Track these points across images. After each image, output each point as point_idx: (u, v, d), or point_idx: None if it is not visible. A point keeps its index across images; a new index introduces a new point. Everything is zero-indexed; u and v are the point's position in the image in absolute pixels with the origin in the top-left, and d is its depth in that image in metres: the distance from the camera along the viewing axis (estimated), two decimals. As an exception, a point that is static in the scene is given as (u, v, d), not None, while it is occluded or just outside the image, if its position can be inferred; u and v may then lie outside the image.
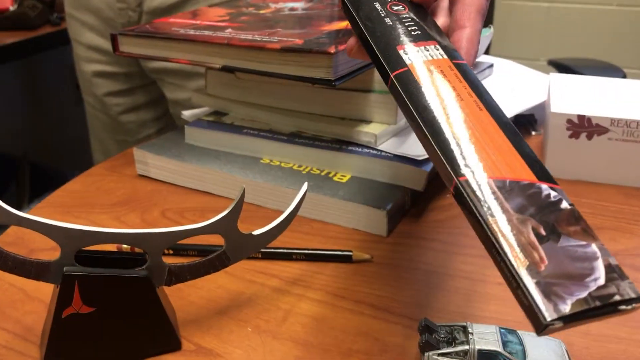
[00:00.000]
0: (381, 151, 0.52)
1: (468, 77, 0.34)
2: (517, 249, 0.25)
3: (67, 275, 0.33)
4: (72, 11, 0.91)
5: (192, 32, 0.55)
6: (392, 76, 0.34)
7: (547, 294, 0.24)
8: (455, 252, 0.46)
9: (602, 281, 0.24)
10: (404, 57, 0.35)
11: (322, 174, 0.53)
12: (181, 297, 0.41)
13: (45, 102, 1.91)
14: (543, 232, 0.26)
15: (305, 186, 0.40)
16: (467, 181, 0.28)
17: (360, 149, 0.53)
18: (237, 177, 0.53)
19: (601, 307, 0.24)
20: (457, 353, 0.33)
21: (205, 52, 0.53)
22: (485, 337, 0.34)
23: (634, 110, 0.55)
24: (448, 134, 0.30)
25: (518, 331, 0.35)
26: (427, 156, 0.51)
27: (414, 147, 0.52)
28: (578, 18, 2.14)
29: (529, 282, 0.24)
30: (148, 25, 0.59)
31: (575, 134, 0.56)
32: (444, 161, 0.29)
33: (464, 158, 0.29)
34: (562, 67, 1.57)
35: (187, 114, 0.66)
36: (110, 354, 0.35)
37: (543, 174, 0.29)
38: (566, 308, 0.23)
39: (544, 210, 0.27)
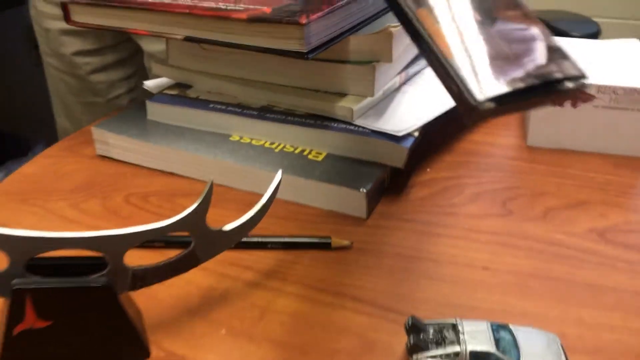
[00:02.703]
0: (358, 126, 0.49)
1: None
2: (447, 37, 0.23)
3: (17, 289, 0.30)
4: None
5: (150, -1, 0.50)
6: None
7: (479, 76, 0.21)
8: (439, 233, 0.44)
9: (542, 61, 0.22)
10: None
11: (296, 152, 0.50)
12: (148, 296, 0.38)
13: (2, 66, 1.81)
14: (478, 17, 0.24)
15: (279, 174, 0.37)
16: None
17: (336, 125, 0.50)
18: (204, 157, 0.50)
19: (540, 87, 0.21)
20: (447, 355, 0.31)
21: (166, 22, 0.49)
22: (476, 336, 0.32)
23: (620, 76, 0.53)
24: None
25: (510, 325, 0.33)
26: (407, 132, 0.48)
27: (393, 122, 0.49)
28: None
29: (460, 66, 0.22)
30: (101, -9, 0.54)
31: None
32: None
33: None
34: (537, 20, 1.53)
35: (149, 84, 0.62)
36: (72, 367, 0.33)
37: None
38: (499, 87, 0.21)
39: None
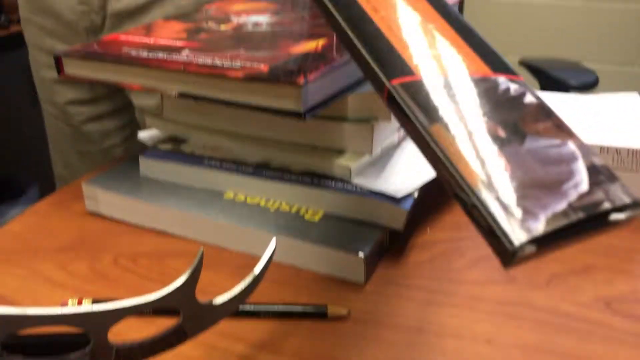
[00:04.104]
0: (356, 186, 0.48)
1: None
2: (469, 160, 0.19)
3: (-10, 373, 0.28)
4: (29, 15, 0.84)
5: (145, 54, 0.49)
6: None
7: (513, 210, 0.18)
8: (440, 301, 0.42)
9: (584, 187, 0.19)
10: None
11: (292, 211, 0.49)
12: (133, 370, 0.36)
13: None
14: (502, 134, 0.20)
15: (273, 242, 0.35)
16: (402, 85, 0.22)
17: (333, 183, 0.48)
18: (197, 215, 0.48)
19: (587, 220, 0.18)
20: None
21: (160, 78, 0.48)
22: None
23: (623, 135, 0.52)
24: (375, 32, 0.24)
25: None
26: (407, 192, 0.46)
27: (392, 181, 0.48)
28: (546, 13, 2.12)
29: (488, 199, 0.18)
30: (96, 44, 0.53)
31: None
32: (372, 64, 0.23)
33: (396, 57, 0.23)
34: (534, 68, 1.54)
35: (143, 135, 0.61)
36: None
37: (499, 65, 0.23)
38: (539, 226, 0.17)
39: (502, 108, 0.21)
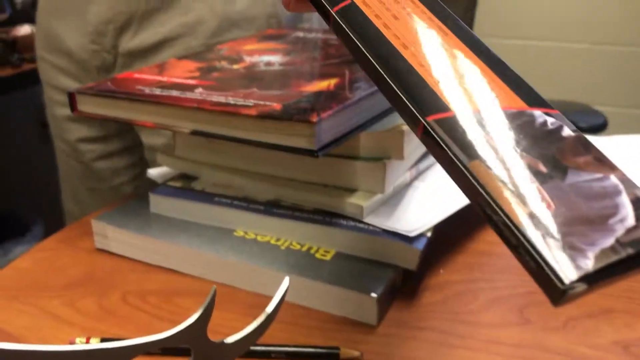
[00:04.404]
0: (368, 225, 0.47)
1: (426, 2, 0.28)
2: (512, 196, 0.19)
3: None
4: (43, 54, 0.86)
5: (158, 91, 0.50)
6: (333, 12, 0.28)
7: (560, 247, 0.17)
8: (454, 344, 0.41)
9: (631, 221, 0.18)
10: None
11: (303, 249, 0.48)
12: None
13: (7, 146, 1.82)
14: (543, 169, 0.20)
15: (286, 282, 0.35)
16: (437, 121, 0.22)
17: (345, 222, 0.48)
18: (206, 253, 0.48)
19: (636, 256, 0.17)
20: None
21: (173, 115, 0.48)
22: None
23: (635, 178, 0.51)
24: (408, 68, 0.24)
25: None
26: (420, 232, 0.46)
27: (404, 220, 0.47)
28: (554, 56, 2.15)
29: (534, 236, 0.18)
30: (110, 82, 0.54)
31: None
32: (405, 100, 0.23)
33: (430, 93, 0.23)
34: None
35: (153, 172, 0.61)
36: None
37: (534, 99, 0.23)
38: (589, 263, 0.17)
39: (541, 142, 0.21)
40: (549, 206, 0.18)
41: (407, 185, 0.53)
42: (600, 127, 1.26)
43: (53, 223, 1.10)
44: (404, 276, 0.48)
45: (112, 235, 0.52)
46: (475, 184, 0.20)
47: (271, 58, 0.60)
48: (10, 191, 1.82)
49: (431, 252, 0.51)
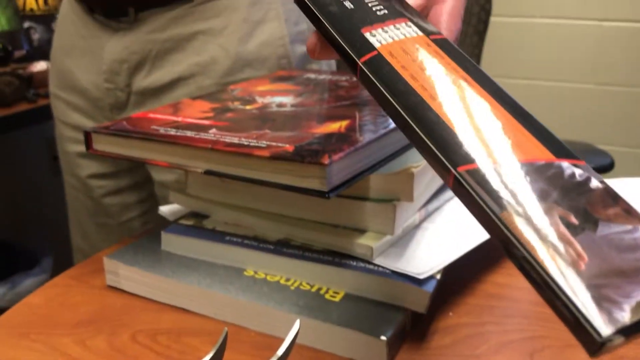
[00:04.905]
0: (378, 266, 0.48)
1: (451, 52, 0.28)
2: (546, 248, 0.19)
3: None
4: (57, 91, 0.87)
5: (172, 131, 0.51)
6: (359, 63, 0.29)
7: (597, 300, 0.18)
8: (465, 388, 0.41)
9: None
10: (372, 39, 0.30)
11: (313, 290, 0.48)
12: None
13: (20, 178, 1.84)
14: (575, 221, 0.20)
15: (296, 326, 0.35)
16: (468, 171, 0.22)
17: (355, 263, 0.48)
18: (217, 293, 0.48)
19: None
20: None
21: (187, 155, 0.49)
22: None
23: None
24: (436, 119, 0.24)
25: None
26: (429, 273, 0.46)
27: (414, 262, 0.48)
28: (559, 96, 2.16)
29: (570, 289, 0.18)
30: (125, 121, 0.55)
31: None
32: (436, 151, 0.23)
33: (459, 144, 0.23)
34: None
35: (164, 209, 0.62)
36: None
37: (561, 150, 0.23)
38: (625, 316, 0.17)
39: (570, 194, 0.21)
40: (583, 258, 0.19)
41: (417, 226, 0.54)
42: (607, 168, 1.26)
43: (63, 256, 1.11)
44: (413, 318, 0.48)
45: (124, 273, 0.52)
46: (509, 234, 0.20)
47: (283, 99, 0.61)
48: (21, 223, 1.84)
49: (440, 293, 0.51)
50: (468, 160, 0.22)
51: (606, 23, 2.08)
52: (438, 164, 0.23)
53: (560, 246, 0.19)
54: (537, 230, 0.20)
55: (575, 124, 2.15)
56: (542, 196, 0.21)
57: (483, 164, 0.22)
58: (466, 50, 1.70)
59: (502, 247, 0.20)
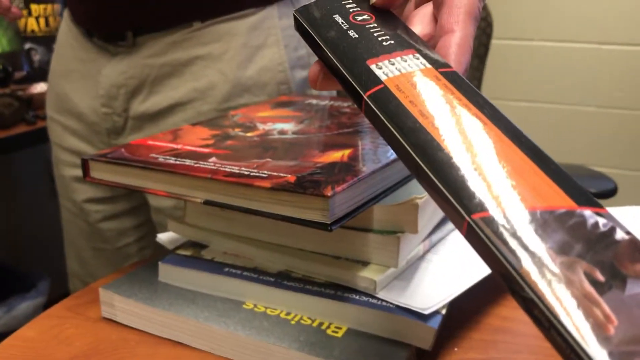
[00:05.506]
0: (381, 300, 0.46)
1: (461, 87, 0.27)
2: (570, 309, 0.17)
3: None
4: (54, 115, 0.87)
5: (172, 160, 0.50)
6: (365, 97, 0.27)
7: None
8: None
9: None
10: (378, 72, 0.28)
11: (314, 324, 0.47)
12: None
13: (17, 201, 1.83)
14: (601, 278, 0.18)
15: (299, 366, 0.33)
16: (483, 219, 0.21)
17: (357, 297, 0.47)
18: (214, 327, 0.47)
19: None
20: None
21: (186, 185, 0.48)
22: None
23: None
24: (447, 160, 0.23)
25: None
26: (434, 308, 0.45)
27: (418, 296, 0.46)
28: (561, 119, 2.16)
29: (597, 356, 0.16)
30: (123, 148, 0.54)
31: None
32: (449, 196, 0.22)
33: (473, 189, 0.22)
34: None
35: (163, 237, 0.60)
36: None
37: (583, 197, 0.21)
38: None
39: (595, 246, 0.19)
40: (611, 321, 0.17)
41: (420, 258, 0.53)
42: (610, 193, 1.25)
43: (59, 280, 1.09)
44: (417, 353, 0.46)
45: (119, 305, 0.51)
46: (530, 292, 0.18)
47: (284, 126, 0.60)
48: (18, 246, 1.82)
49: (445, 327, 0.50)
50: (483, 207, 0.21)
51: (605, 46, 2.08)
52: (450, 209, 0.22)
53: (587, 308, 0.17)
54: (560, 290, 0.18)
55: (576, 146, 2.15)
56: (564, 249, 0.19)
57: (499, 211, 0.21)
58: (467, 73, 1.70)
59: (522, 307, 0.19)
